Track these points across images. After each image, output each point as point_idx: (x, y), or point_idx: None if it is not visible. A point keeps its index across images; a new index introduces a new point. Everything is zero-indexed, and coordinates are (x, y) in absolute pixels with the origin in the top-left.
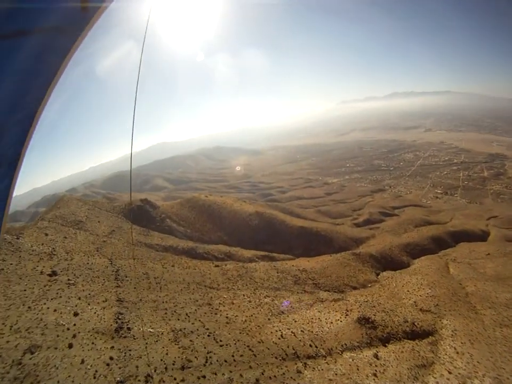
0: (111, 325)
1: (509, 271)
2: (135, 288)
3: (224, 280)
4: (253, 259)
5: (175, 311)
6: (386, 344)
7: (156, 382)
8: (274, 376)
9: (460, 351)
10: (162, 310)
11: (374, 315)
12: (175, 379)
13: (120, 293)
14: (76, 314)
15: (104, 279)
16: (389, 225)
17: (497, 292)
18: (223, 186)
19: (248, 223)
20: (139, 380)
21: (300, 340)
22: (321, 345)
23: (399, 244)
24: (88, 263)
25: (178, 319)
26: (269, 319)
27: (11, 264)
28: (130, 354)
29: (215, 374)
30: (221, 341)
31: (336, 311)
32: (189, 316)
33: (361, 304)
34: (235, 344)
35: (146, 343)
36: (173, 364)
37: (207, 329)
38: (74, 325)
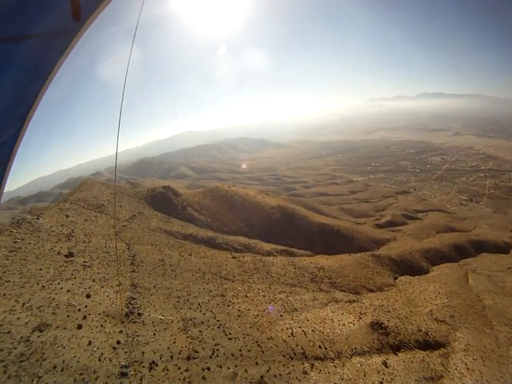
0: (122, 309)
1: None
2: (150, 274)
3: (240, 272)
4: (271, 253)
5: (187, 300)
6: (397, 352)
7: (159, 370)
8: (280, 374)
9: (471, 367)
10: (175, 298)
11: (388, 321)
12: (179, 368)
13: (134, 278)
14: (88, 296)
15: (120, 263)
16: (411, 228)
17: None
18: (247, 178)
19: (269, 216)
20: (143, 366)
21: (310, 340)
22: (331, 347)
23: (419, 249)
24: (105, 247)
25: (190, 308)
26: (281, 316)
27: (29, 243)
28: (137, 340)
29: (220, 367)
30: (230, 334)
31: (349, 313)
32: (201, 306)
33: (376, 308)
34: (244, 338)
35: (155, 330)
36: (179, 353)
37: (218, 320)
38: (86, 306)
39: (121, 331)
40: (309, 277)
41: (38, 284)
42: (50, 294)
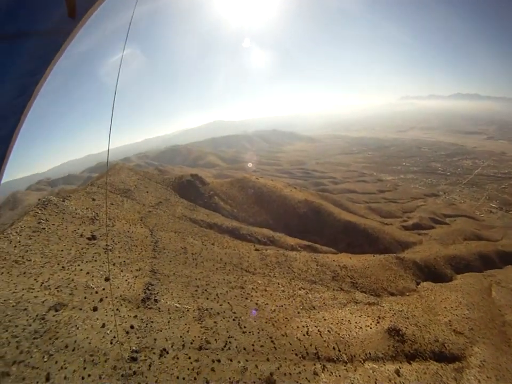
0: (139, 294)
1: None
2: (170, 261)
3: (261, 265)
4: (295, 247)
5: (206, 290)
6: (411, 362)
7: (169, 358)
8: (290, 373)
9: None
10: (194, 287)
11: (406, 328)
12: (189, 358)
13: (155, 264)
14: (107, 279)
15: (141, 249)
16: (438, 233)
17: None
18: (276, 170)
19: (296, 210)
20: (154, 353)
21: (325, 340)
22: (345, 350)
23: (444, 255)
24: (128, 231)
25: (207, 298)
26: (298, 313)
27: (53, 224)
28: (151, 326)
29: (231, 360)
30: (245, 327)
31: (368, 316)
32: (218, 297)
33: (395, 313)
34: (258, 333)
35: (170, 318)
36: (191, 343)
37: (234, 313)
38: (103, 289)
39: (136, 316)
40: (331, 275)
41: (58, 264)
42: (70, 275)
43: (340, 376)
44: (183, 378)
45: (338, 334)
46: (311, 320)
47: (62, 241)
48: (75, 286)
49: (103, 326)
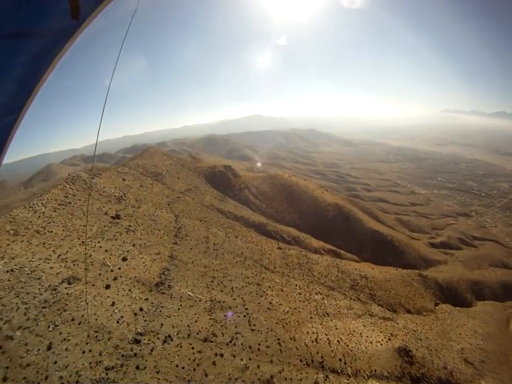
0: (154, 278)
1: None
2: (191, 249)
3: (282, 264)
4: (319, 250)
5: (221, 282)
6: None
7: (172, 345)
8: (291, 379)
9: None
10: (210, 278)
11: (417, 349)
12: (192, 348)
13: (175, 250)
14: (124, 259)
15: (164, 233)
16: (464, 255)
17: None
18: (309, 170)
19: (325, 212)
20: (158, 338)
21: (332, 350)
22: (351, 363)
23: (467, 279)
24: (153, 215)
25: (222, 291)
26: (311, 318)
27: (79, 200)
28: (160, 311)
29: (234, 356)
30: (254, 325)
31: (380, 331)
32: (233, 291)
33: (408, 332)
34: (267, 333)
35: (181, 305)
36: (197, 333)
37: (246, 309)
38: (119, 268)
39: (147, 299)
40: (350, 283)
41: (78, 239)
42: (88, 250)
43: None
44: (183, 368)
45: (347, 345)
46: (322, 327)
47: (86, 217)
48: (91, 262)
49: (113, 304)
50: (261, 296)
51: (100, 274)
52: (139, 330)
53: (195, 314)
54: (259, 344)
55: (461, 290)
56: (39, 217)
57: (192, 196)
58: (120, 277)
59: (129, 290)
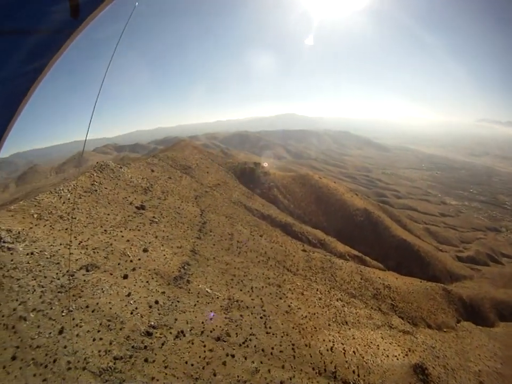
0: (173, 272)
1: None
2: (214, 245)
3: (305, 267)
4: (343, 255)
5: (241, 281)
6: None
7: (184, 341)
8: None
9: None
10: (230, 276)
11: (433, 367)
12: (204, 346)
13: (197, 245)
14: (145, 250)
15: (188, 227)
16: (491, 272)
17: None
18: (340, 172)
19: (353, 217)
20: (170, 332)
21: (347, 361)
22: (364, 376)
23: (492, 298)
24: (179, 208)
25: (241, 290)
26: (329, 325)
27: (105, 188)
28: (176, 306)
29: (245, 358)
30: (270, 328)
31: (398, 345)
32: (252, 290)
33: (426, 349)
34: (282, 337)
35: (197, 301)
36: (211, 331)
37: (264, 310)
38: (139, 259)
39: (164, 292)
40: (373, 292)
41: (101, 227)
42: (110, 239)
43: None
44: (192, 365)
45: (363, 357)
46: (340, 336)
47: (111, 205)
48: (112, 251)
49: (128, 295)
50: (280, 298)
51: (119, 264)
52: (152, 323)
53: (211, 311)
54: (272, 348)
55: (484, 309)
56: (63, 203)
57: (220, 191)
58: (139, 268)
59: (147, 282)
